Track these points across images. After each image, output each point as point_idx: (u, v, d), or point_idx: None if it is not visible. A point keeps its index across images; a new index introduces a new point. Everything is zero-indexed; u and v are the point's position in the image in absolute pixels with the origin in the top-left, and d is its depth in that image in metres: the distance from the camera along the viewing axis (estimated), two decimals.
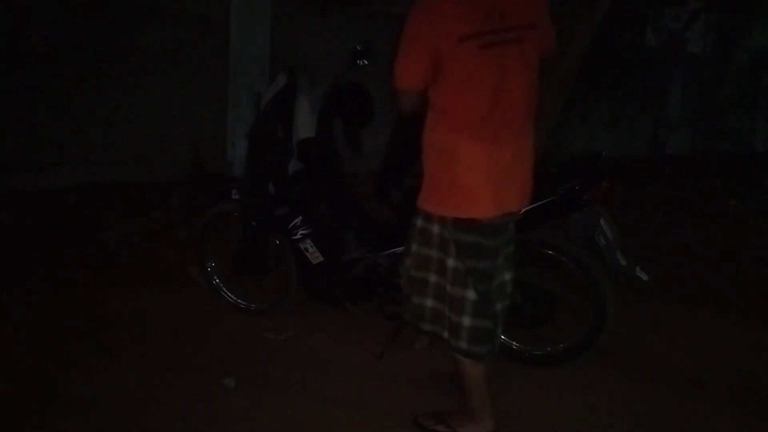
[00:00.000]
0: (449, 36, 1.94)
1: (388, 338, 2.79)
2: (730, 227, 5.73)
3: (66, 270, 3.66)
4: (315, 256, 2.95)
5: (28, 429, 2.25)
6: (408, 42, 2.00)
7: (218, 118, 5.66)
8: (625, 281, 2.62)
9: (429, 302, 2.22)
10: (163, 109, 5.36)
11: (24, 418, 2.29)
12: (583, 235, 2.61)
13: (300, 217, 2.95)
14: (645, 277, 2.60)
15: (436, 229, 2.13)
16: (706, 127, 9.17)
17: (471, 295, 2.13)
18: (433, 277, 2.19)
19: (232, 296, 3.30)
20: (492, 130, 2.02)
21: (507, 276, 2.24)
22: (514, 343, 2.83)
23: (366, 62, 2.92)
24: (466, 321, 2.15)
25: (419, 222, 2.18)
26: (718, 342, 3.25)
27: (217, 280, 3.33)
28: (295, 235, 2.96)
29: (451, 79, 1.98)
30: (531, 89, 2.07)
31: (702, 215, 5.97)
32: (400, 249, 2.77)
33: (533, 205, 2.44)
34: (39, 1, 4.75)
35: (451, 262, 2.13)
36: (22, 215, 4.31)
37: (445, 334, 2.20)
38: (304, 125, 2.85)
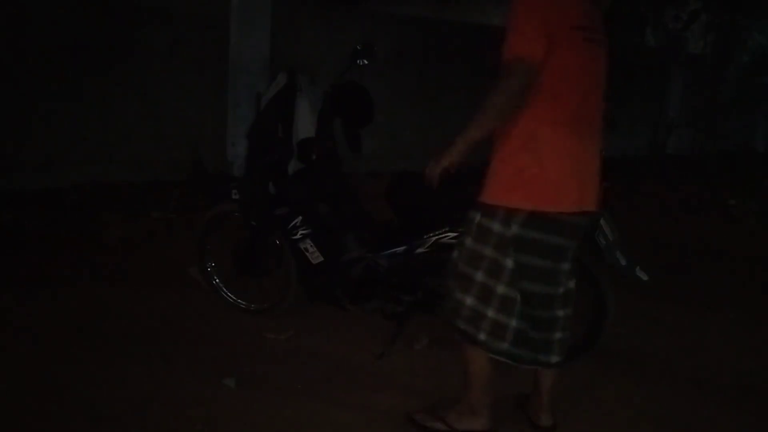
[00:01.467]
0: (564, 20, 1.94)
1: (389, 338, 2.79)
2: (730, 227, 5.73)
3: (66, 270, 3.66)
4: (315, 256, 2.94)
5: (28, 429, 2.25)
6: (524, 14, 1.92)
7: (218, 118, 5.67)
8: (625, 281, 2.62)
9: (469, 300, 2.13)
10: (163, 109, 5.36)
11: (24, 417, 2.29)
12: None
13: (300, 217, 2.95)
14: (645, 277, 2.60)
15: (496, 227, 2.05)
16: (706, 127, 9.15)
17: (520, 298, 2.10)
18: (480, 276, 2.10)
19: (232, 296, 3.30)
20: (581, 125, 2.04)
21: (571, 284, 2.21)
22: None
23: (366, 62, 2.92)
24: (514, 323, 2.11)
25: (478, 217, 2.09)
26: (718, 342, 3.25)
27: (217, 280, 3.33)
28: (295, 235, 2.96)
29: (557, 65, 1.94)
30: (603, 92, 2.13)
31: (702, 215, 5.97)
32: (400, 249, 2.78)
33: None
34: (39, 1, 4.75)
35: (509, 263, 2.06)
36: (22, 215, 4.32)
37: (482, 336, 2.12)
38: (304, 125, 2.85)
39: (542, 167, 2.00)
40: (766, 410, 2.63)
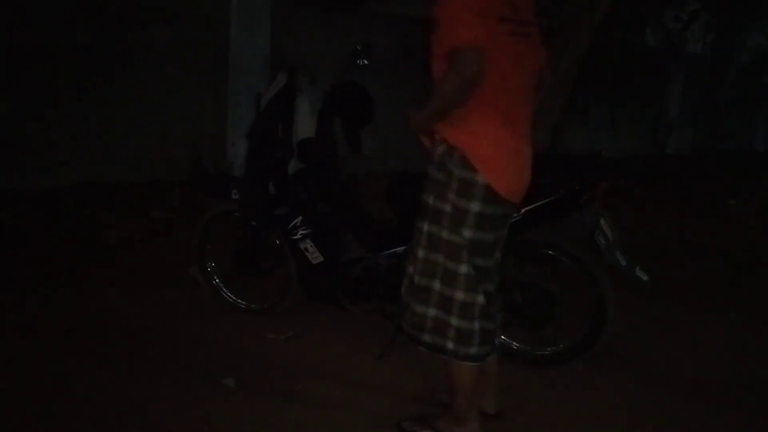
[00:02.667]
0: (491, 12, 1.93)
1: (388, 338, 2.78)
2: (730, 227, 5.73)
3: (66, 270, 3.66)
4: (315, 256, 2.94)
5: (28, 428, 2.25)
6: (456, 7, 1.92)
7: (218, 118, 5.66)
8: (625, 281, 2.62)
9: (432, 311, 2.14)
10: (163, 109, 5.36)
11: (24, 417, 2.29)
12: (583, 235, 2.61)
13: (300, 217, 2.95)
14: (645, 277, 2.60)
15: (445, 233, 2.07)
16: (706, 127, 9.17)
17: (480, 299, 2.11)
18: (437, 285, 2.12)
19: (232, 296, 3.30)
20: (513, 125, 2.05)
21: (497, 278, 2.23)
22: (515, 343, 2.83)
23: (366, 62, 2.92)
24: (476, 325, 2.12)
25: (425, 226, 2.12)
26: (718, 342, 3.25)
27: (217, 280, 3.33)
28: (295, 235, 2.96)
29: (488, 56, 1.92)
30: (534, 87, 2.12)
31: (702, 215, 5.97)
32: (400, 249, 2.78)
33: (533, 205, 2.44)
34: (39, 1, 4.75)
35: (463, 268, 2.07)
36: (22, 215, 4.31)
37: (450, 344, 2.13)
38: (304, 125, 2.85)
39: (486, 149, 2.01)
40: (766, 410, 2.63)
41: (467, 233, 2.04)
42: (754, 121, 11.00)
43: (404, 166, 3.06)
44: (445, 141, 2.05)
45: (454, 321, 2.11)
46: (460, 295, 2.09)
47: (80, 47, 4.91)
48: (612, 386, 2.73)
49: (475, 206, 2.02)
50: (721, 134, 9.05)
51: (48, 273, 3.59)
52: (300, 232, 2.95)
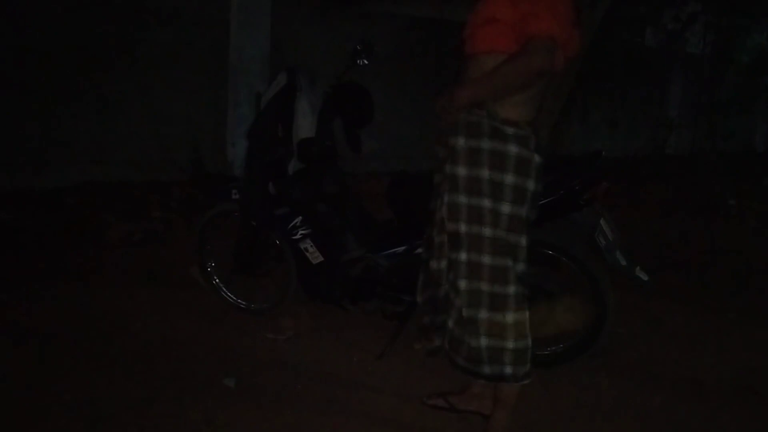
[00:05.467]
0: (569, 16, 1.96)
1: (388, 338, 2.79)
2: (730, 227, 5.73)
3: (65, 270, 3.66)
4: (315, 256, 2.95)
5: (28, 429, 2.25)
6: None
7: (218, 118, 5.66)
8: (625, 281, 2.62)
9: (485, 341, 2.06)
10: (163, 109, 5.36)
11: (24, 417, 2.29)
12: (583, 235, 2.61)
13: (300, 217, 2.95)
14: (645, 277, 2.60)
15: (487, 231, 2.01)
16: (706, 127, 9.15)
17: (527, 313, 2.08)
18: (485, 313, 2.04)
19: (232, 296, 3.30)
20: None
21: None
22: None
23: (366, 62, 2.92)
24: (529, 340, 2.09)
25: (463, 254, 2.03)
26: (718, 342, 3.25)
27: (217, 280, 3.33)
28: (295, 235, 2.96)
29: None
30: None
31: (702, 215, 5.97)
32: (400, 249, 2.78)
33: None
34: (39, 1, 4.75)
35: (511, 289, 2.03)
36: (22, 215, 4.31)
37: (508, 369, 2.06)
38: (304, 125, 2.85)
39: None
40: (766, 410, 2.63)
41: (523, 210, 2.01)
42: (754, 121, 10.99)
43: (404, 166, 3.06)
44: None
45: (510, 344, 2.05)
46: (510, 317, 2.03)
47: (80, 47, 4.91)
48: (612, 386, 2.72)
49: (530, 184, 2.00)
50: (721, 134, 9.03)
51: (48, 273, 3.59)
52: (300, 232, 2.95)
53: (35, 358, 2.71)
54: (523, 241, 2.06)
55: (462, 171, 2.01)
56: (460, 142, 2.01)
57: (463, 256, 2.04)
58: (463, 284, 2.05)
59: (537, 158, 2.01)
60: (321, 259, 2.94)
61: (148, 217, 4.61)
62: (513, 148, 1.97)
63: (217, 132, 5.67)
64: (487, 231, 2.00)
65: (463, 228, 2.02)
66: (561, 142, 5.87)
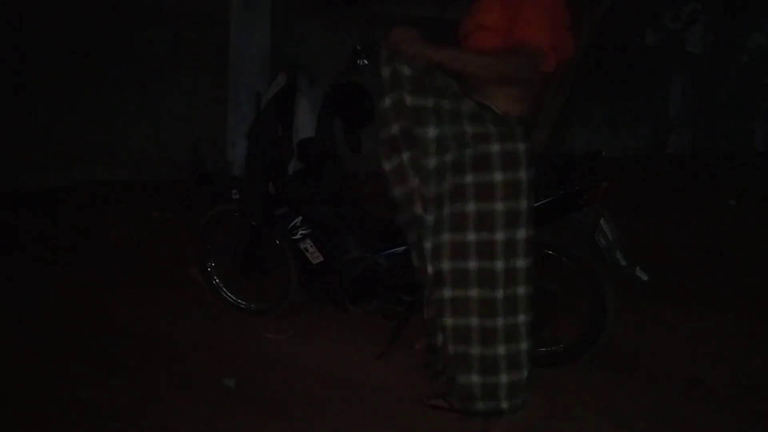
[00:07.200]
0: (564, 22, 2.00)
1: (388, 338, 2.79)
2: (730, 227, 5.73)
3: (66, 270, 3.66)
4: (315, 256, 2.95)
5: (28, 429, 2.25)
6: (544, 6, 1.92)
7: (218, 118, 5.67)
8: (625, 281, 2.61)
9: (476, 378, 2.01)
10: (163, 109, 5.37)
11: (24, 417, 2.29)
12: (583, 235, 2.61)
13: (300, 217, 2.95)
14: (645, 277, 2.60)
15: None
16: (706, 127, 9.16)
17: (525, 345, 2.03)
18: (476, 350, 1.99)
19: (232, 296, 3.30)
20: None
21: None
22: None
23: (366, 62, 2.92)
24: (526, 372, 2.04)
25: (448, 292, 1.99)
26: (718, 342, 3.25)
27: (217, 280, 3.33)
28: (295, 235, 2.96)
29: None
30: None
31: (702, 215, 5.97)
32: (400, 249, 2.78)
33: (534, 205, 2.44)
34: (39, 1, 4.75)
35: (499, 321, 1.97)
36: (22, 215, 4.31)
37: (504, 404, 2.02)
38: (304, 125, 2.85)
39: None
40: (766, 410, 2.63)
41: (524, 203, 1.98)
42: (754, 121, 11.00)
43: None
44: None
45: (504, 378, 2.00)
46: (502, 349, 1.98)
47: (80, 47, 4.92)
48: (612, 386, 2.72)
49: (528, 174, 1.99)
50: (721, 134, 9.05)
51: (48, 273, 3.59)
52: (300, 232, 2.95)
53: (35, 358, 2.71)
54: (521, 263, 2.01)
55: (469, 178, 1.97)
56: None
57: (447, 292, 2.00)
58: (449, 321, 2.01)
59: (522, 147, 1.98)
60: (321, 259, 2.94)
61: (148, 217, 4.62)
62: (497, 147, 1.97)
63: (217, 132, 5.68)
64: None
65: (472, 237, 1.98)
66: (561, 142, 5.86)
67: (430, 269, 2.02)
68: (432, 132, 1.94)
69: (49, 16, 4.80)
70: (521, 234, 1.98)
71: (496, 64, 1.89)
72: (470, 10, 2.04)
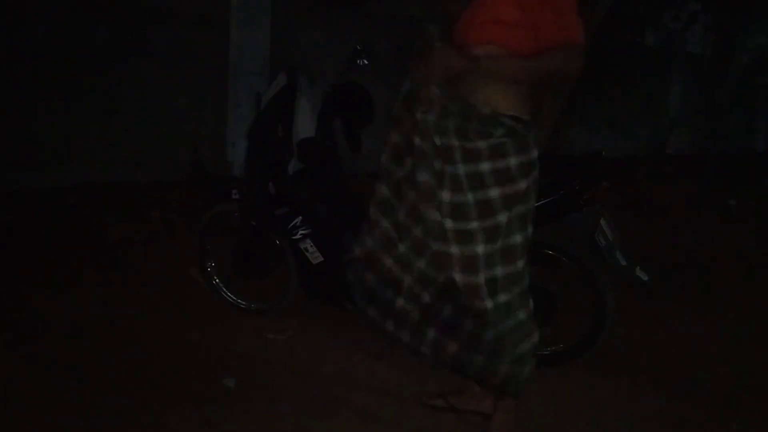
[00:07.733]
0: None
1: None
2: (730, 227, 5.73)
3: (65, 270, 3.65)
4: (315, 256, 2.95)
5: (28, 429, 2.25)
6: (573, 4, 1.91)
7: (218, 118, 5.67)
8: (625, 281, 2.61)
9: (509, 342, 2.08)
10: (163, 109, 5.36)
11: (23, 418, 2.29)
12: (583, 235, 2.61)
13: (300, 217, 2.95)
14: (645, 277, 2.60)
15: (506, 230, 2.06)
16: (706, 127, 9.16)
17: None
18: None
19: (232, 296, 3.30)
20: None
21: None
22: None
23: (366, 62, 2.92)
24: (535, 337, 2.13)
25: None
26: (717, 342, 3.25)
27: (217, 280, 3.33)
28: (295, 235, 2.96)
29: None
30: None
31: (702, 215, 5.97)
32: None
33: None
34: (39, 1, 4.75)
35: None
36: (22, 215, 4.31)
37: (527, 369, 2.11)
38: (304, 125, 2.85)
39: None
40: (766, 410, 2.63)
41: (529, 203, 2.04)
42: (754, 121, 10.99)
43: None
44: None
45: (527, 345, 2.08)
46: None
47: (80, 46, 4.92)
48: (611, 386, 2.72)
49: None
50: (721, 134, 9.04)
51: (48, 273, 3.59)
52: (300, 232, 2.95)
53: (35, 358, 2.70)
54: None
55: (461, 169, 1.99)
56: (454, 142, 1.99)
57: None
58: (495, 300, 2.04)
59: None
60: (321, 259, 2.94)
61: (148, 217, 4.62)
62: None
63: (217, 132, 5.68)
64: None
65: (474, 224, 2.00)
66: (561, 142, 5.86)
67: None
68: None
69: (49, 16, 4.80)
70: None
71: (536, 65, 1.91)
72: (470, 7, 2.02)
